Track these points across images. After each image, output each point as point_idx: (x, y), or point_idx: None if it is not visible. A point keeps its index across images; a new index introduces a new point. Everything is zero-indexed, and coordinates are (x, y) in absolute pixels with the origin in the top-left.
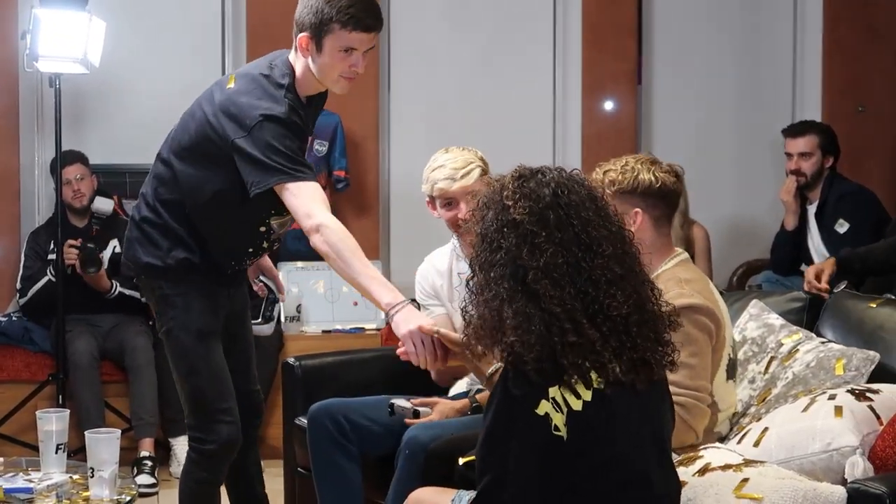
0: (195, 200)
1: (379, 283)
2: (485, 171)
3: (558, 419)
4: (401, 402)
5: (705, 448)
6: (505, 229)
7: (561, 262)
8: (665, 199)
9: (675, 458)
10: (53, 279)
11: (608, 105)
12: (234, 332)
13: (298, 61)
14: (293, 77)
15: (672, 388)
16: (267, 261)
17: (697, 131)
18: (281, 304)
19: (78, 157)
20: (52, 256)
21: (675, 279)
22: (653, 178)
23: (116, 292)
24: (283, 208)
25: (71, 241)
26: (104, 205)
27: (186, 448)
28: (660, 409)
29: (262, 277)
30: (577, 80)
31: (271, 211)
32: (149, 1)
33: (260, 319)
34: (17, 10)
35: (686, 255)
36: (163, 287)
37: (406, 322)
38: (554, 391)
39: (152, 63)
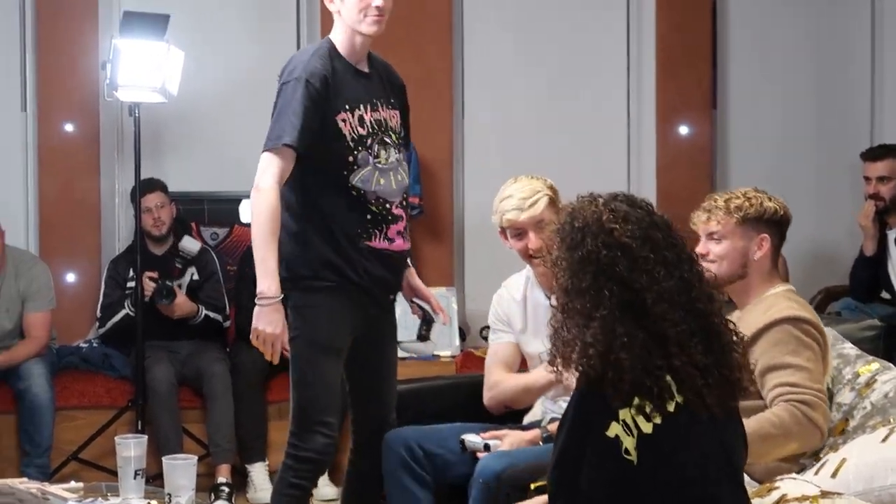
0: (295, 192)
1: (266, 268)
2: (553, 200)
3: (629, 442)
4: (471, 436)
5: (781, 479)
6: (619, 253)
7: (672, 284)
8: (783, 227)
9: (751, 487)
10: (132, 313)
11: (683, 130)
12: (368, 353)
13: (335, 27)
14: (331, 44)
15: (793, 389)
16: (418, 282)
17: (774, 155)
18: (442, 325)
19: (158, 186)
20: (130, 285)
21: (786, 297)
22: (777, 206)
23: (203, 315)
24: (347, 162)
25: (149, 273)
26: (192, 245)
27: (263, 474)
28: (733, 435)
29: (416, 300)
30: (651, 105)
31: (343, 172)
32: (226, 31)
33: (415, 338)
34: (97, 41)
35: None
36: (295, 298)
37: (262, 319)
38: (624, 413)
39: (230, 91)
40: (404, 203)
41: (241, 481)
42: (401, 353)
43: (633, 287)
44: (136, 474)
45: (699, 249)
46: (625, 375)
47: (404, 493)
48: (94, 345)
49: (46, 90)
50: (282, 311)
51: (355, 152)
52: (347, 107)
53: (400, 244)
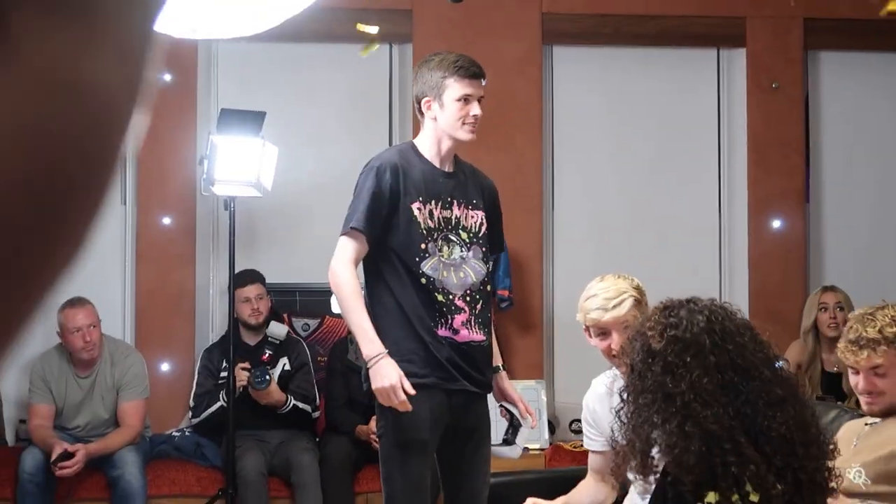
0: (370, 287)
1: (362, 332)
2: (639, 301)
3: None
4: None
5: None
6: (649, 359)
7: (707, 381)
8: None
9: None
10: (225, 405)
11: (776, 224)
12: (459, 445)
13: (423, 130)
14: (412, 144)
15: None
16: (507, 386)
17: (868, 251)
18: (530, 428)
19: (259, 278)
20: (223, 374)
21: None
22: None
23: (291, 405)
24: (420, 249)
25: (241, 364)
26: (279, 329)
27: None
28: None
29: (504, 403)
30: (743, 199)
31: (416, 258)
32: (319, 128)
33: (500, 442)
34: (195, 137)
35: None
36: None
37: (376, 378)
38: (710, 497)
39: (322, 186)
40: (468, 298)
41: None
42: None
43: (665, 390)
44: None
45: (864, 387)
46: (684, 478)
47: None
48: (187, 433)
49: (145, 184)
50: (391, 363)
51: (428, 240)
52: (421, 198)
53: (465, 335)
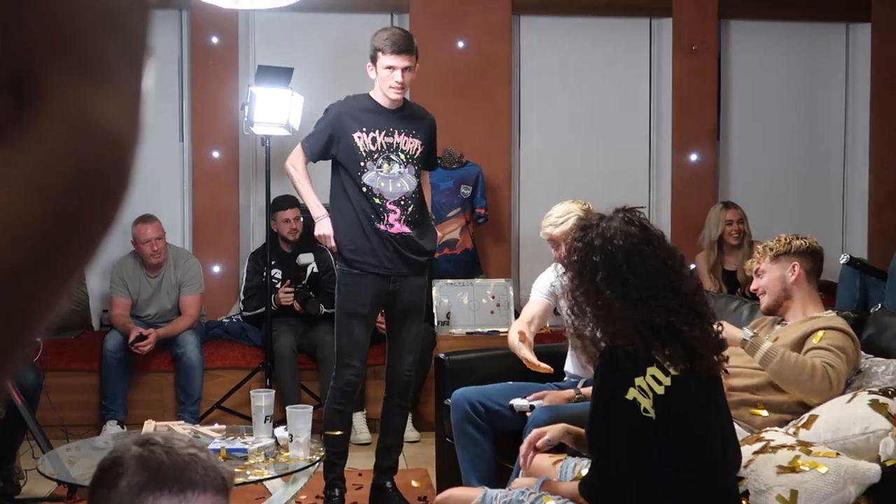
0: (333, 179)
1: (310, 200)
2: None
3: (647, 403)
4: (518, 401)
5: (766, 431)
6: (594, 258)
7: (647, 282)
8: (814, 257)
9: (741, 436)
10: (272, 307)
11: (693, 157)
12: (393, 322)
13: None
14: (368, 93)
15: (828, 361)
16: None
17: (767, 176)
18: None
19: (296, 203)
20: (265, 274)
21: (842, 320)
22: (802, 242)
23: (322, 312)
24: (359, 166)
25: (285, 288)
26: (306, 258)
27: (361, 421)
28: (721, 396)
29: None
30: (668, 138)
31: (357, 173)
32: (337, 79)
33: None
34: (237, 88)
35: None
36: (338, 276)
37: (319, 228)
38: (640, 381)
39: None
40: (401, 203)
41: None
42: (468, 330)
43: (613, 285)
44: (265, 419)
45: (753, 287)
46: (620, 351)
47: (467, 438)
48: (234, 320)
49: (199, 125)
50: (328, 222)
51: (366, 160)
52: (364, 129)
53: (398, 228)
